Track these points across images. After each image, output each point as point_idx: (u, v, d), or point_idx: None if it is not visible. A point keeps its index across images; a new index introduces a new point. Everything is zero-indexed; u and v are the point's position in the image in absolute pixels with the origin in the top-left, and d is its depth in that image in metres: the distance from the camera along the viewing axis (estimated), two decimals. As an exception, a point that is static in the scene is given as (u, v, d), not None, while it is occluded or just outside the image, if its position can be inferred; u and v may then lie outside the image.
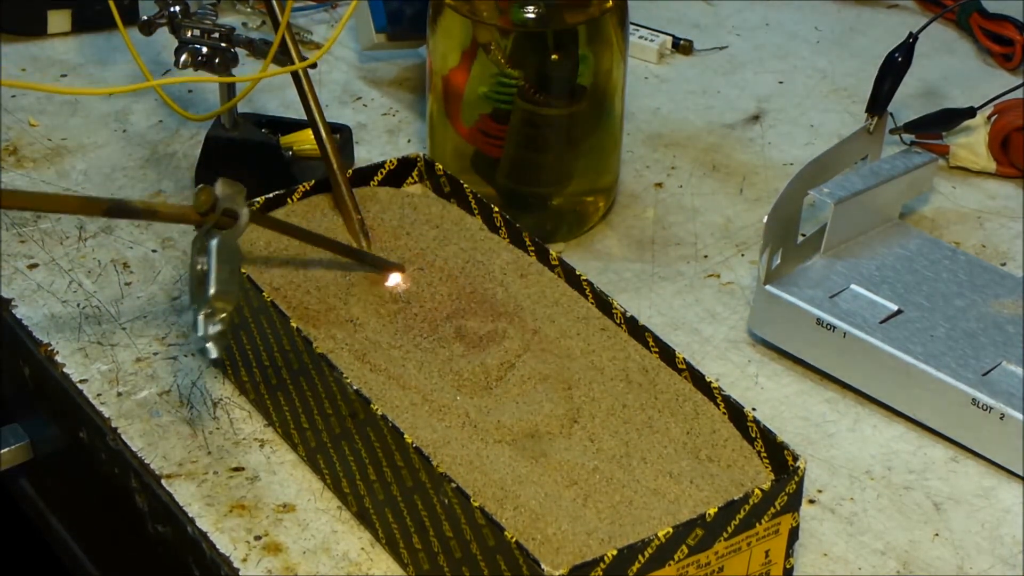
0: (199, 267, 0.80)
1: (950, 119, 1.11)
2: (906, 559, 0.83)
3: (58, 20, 1.22)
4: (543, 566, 0.71)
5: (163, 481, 0.86)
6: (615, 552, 0.72)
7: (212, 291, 0.79)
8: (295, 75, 0.96)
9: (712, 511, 0.74)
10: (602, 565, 0.72)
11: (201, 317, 0.79)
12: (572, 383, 0.84)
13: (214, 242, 0.80)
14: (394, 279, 0.89)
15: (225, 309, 0.79)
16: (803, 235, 0.98)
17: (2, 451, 1.01)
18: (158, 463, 0.87)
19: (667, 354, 0.85)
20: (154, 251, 1.01)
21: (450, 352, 0.85)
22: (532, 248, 0.91)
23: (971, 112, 1.10)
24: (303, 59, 0.96)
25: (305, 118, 0.97)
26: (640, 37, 1.23)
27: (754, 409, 0.92)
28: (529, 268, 0.91)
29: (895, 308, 0.94)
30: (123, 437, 0.88)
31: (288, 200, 0.93)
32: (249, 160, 1.04)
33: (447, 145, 1.04)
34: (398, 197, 0.95)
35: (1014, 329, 0.93)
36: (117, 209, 0.79)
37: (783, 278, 0.95)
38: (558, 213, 1.04)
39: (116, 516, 0.92)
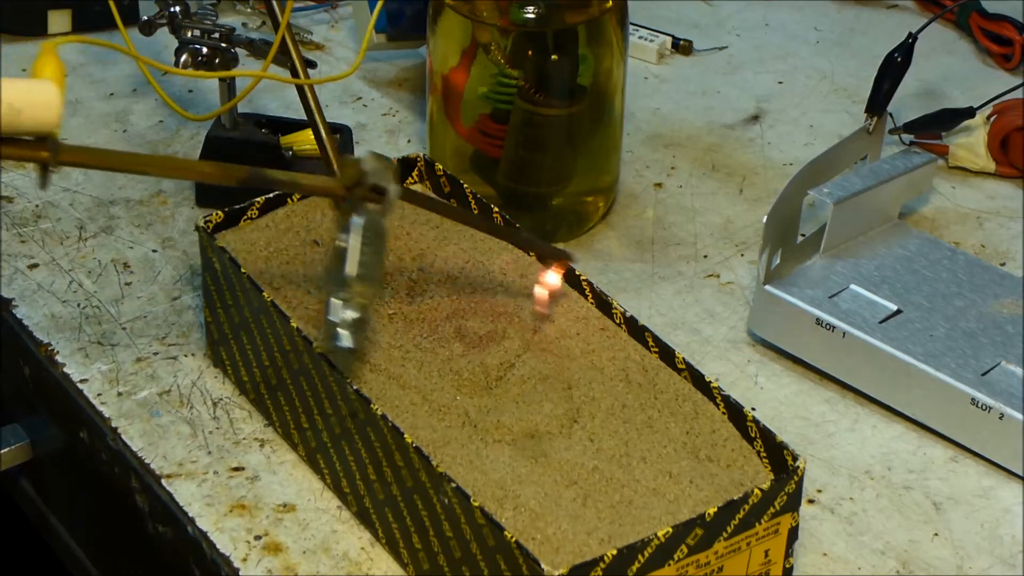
0: (339, 244, 0.73)
1: (949, 119, 1.11)
2: (905, 559, 0.83)
3: (58, 20, 1.22)
4: (543, 566, 0.71)
5: (163, 481, 0.86)
6: (615, 552, 0.72)
7: (351, 273, 0.73)
8: (295, 75, 0.96)
9: (712, 511, 0.75)
10: (602, 565, 0.72)
11: (334, 301, 0.73)
12: (572, 383, 0.84)
13: (358, 220, 0.74)
14: (551, 277, 0.86)
15: (364, 295, 0.73)
16: (803, 235, 0.98)
17: (2, 451, 1.01)
18: (158, 463, 0.87)
19: (667, 354, 0.85)
20: (154, 251, 1.02)
21: (450, 352, 0.85)
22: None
23: (970, 112, 1.10)
24: (303, 59, 0.96)
25: (305, 118, 0.97)
26: (640, 37, 1.23)
27: (754, 409, 0.92)
28: (529, 268, 0.91)
29: (895, 308, 0.94)
30: (123, 437, 0.88)
31: (288, 200, 0.93)
32: (249, 160, 1.03)
33: (447, 145, 1.04)
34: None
35: (1013, 329, 0.93)
36: (256, 178, 0.75)
37: (783, 278, 0.95)
38: (558, 213, 1.04)
39: (116, 516, 0.92)
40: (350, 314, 0.73)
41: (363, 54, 0.95)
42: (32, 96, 0.70)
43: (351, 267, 0.73)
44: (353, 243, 0.73)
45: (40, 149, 0.71)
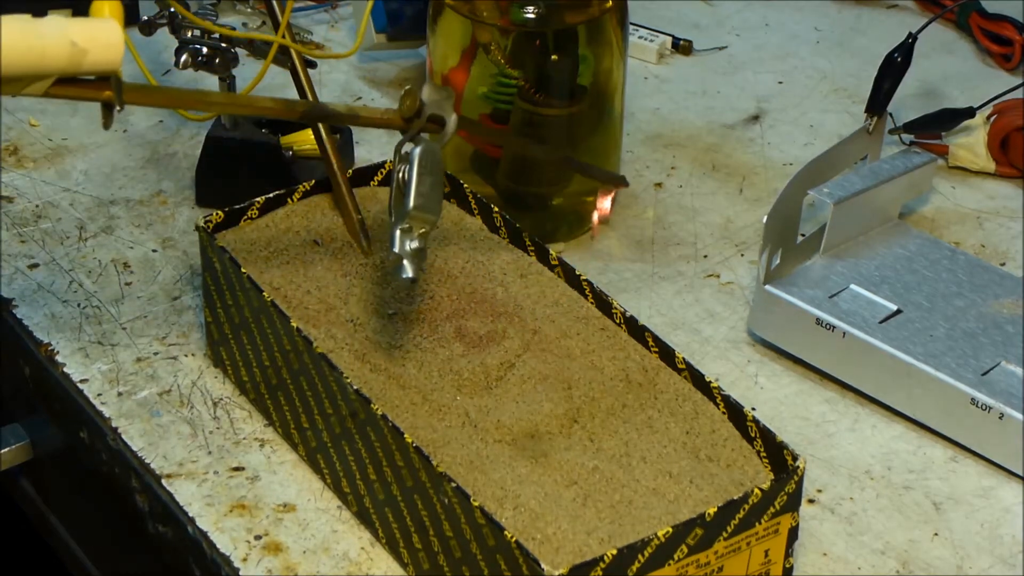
0: (400, 176, 0.75)
1: (949, 119, 1.11)
2: (906, 559, 0.83)
3: (58, 20, 1.22)
4: (543, 566, 0.71)
5: (163, 481, 0.86)
6: (615, 552, 0.72)
7: (411, 203, 0.74)
8: (295, 75, 0.96)
9: (712, 511, 0.75)
10: (602, 565, 0.72)
11: (398, 232, 0.74)
12: (572, 383, 0.84)
13: (417, 150, 0.75)
14: (605, 201, 0.86)
15: (425, 224, 0.75)
16: (803, 235, 0.98)
17: (2, 451, 1.01)
18: (158, 463, 0.87)
19: (667, 354, 0.85)
20: (154, 251, 1.02)
21: (450, 352, 0.85)
22: (532, 248, 0.91)
23: (970, 112, 1.10)
24: (303, 58, 0.96)
25: (305, 118, 0.97)
26: (640, 37, 1.23)
27: (754, 409, 0.92)
28: (529, 268, 0.91)
29: (895, 308, 0.94)
30: (123, 437, 0.88)
31: (288, 200, 0.93)
32: (249, 160, 1.04)
33: (447, 145, 1.04)
34: (398, 197, 0.95)
35: (1013, 329, 0.93)
36: (316, 112, 0.76)
37: (783, 278, 0.95)
38: (558, 213, 1.04)
39: (116, 516, 0.92)
40: (412, 244, 0.75)
41: (361, 36, 0.95)
42: (98, 35, 0.69)
43: (411, 199, 0.74)
44: (412, 175, 0.75)
45: (103, 89, 0.70)
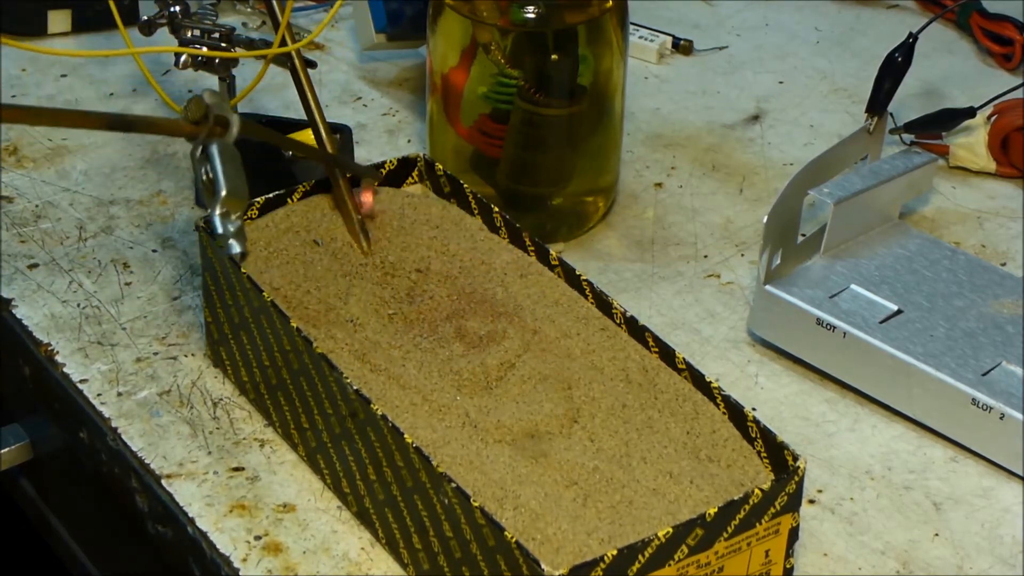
0: (204, 175, 0.83)
1: (950, 119, 1.11)
2: (906, 559, 0.83)
3: (58, 20, 1.22)
4: (543, 566, 0.71)
5: (163, 481, 0.86)
6: (615, 552, 0.72)
7: (224, 191, 0.82)
8: (295, 75, 0.96)
9: (712, 511, 0.74)
10: (602, 565, 0.72)
11: (218, 218, 0.83)
12: (572, 383, 0.84)
13: (214, 147, 0.83)
14: (366, 194, 0.92)
15: (239, 207, 0.83)
16: (803, 235, 0.98)
17: (2, 451, 1.01)
18: (158, 463, 0.87)
19: (667, 354, 0.85)
20: (154, 251, 1.02)
21: (450, 352, 0.85)
22: (532, 248, 0.91)
23: (971, 112, 1.10)
24: (303, 59, 0.96)
25: (305, 118, 0.97)
26: (640, 37, 1.23)
27: (754, 409, 0.92)
28: (529, 268, 0.91)
29: (895, 308, 0.94)
30: (123, 437, 0.88)
31: (288, 200, 0.93)
32: (249, 160, 1.03)
33: (447, 145, 1.04)
34: (398, 197, 0.95)
35: (1014, 329, 0.93)
36: (117, 123, 0.82)
37: (783, 278, 0.95)
38: (558, 213, 1.04)
39: (116, 516, 0.92)
40: (233, 226, 0.83)
41: (332, 17, 0.95)
42: None
43: (223, 188, 0.83)
44: (218, 168, 0.83)
45: None
